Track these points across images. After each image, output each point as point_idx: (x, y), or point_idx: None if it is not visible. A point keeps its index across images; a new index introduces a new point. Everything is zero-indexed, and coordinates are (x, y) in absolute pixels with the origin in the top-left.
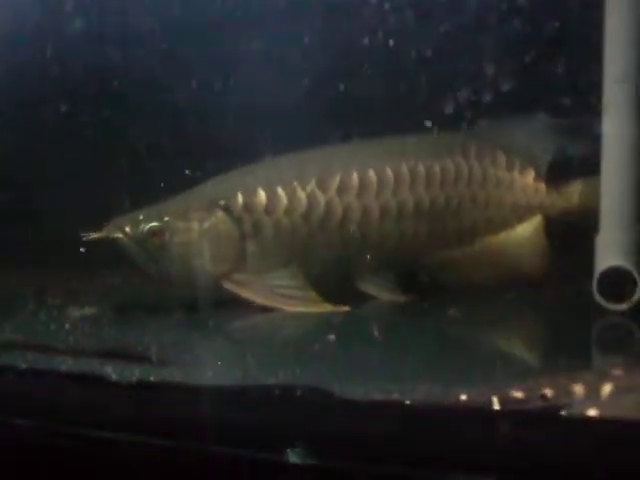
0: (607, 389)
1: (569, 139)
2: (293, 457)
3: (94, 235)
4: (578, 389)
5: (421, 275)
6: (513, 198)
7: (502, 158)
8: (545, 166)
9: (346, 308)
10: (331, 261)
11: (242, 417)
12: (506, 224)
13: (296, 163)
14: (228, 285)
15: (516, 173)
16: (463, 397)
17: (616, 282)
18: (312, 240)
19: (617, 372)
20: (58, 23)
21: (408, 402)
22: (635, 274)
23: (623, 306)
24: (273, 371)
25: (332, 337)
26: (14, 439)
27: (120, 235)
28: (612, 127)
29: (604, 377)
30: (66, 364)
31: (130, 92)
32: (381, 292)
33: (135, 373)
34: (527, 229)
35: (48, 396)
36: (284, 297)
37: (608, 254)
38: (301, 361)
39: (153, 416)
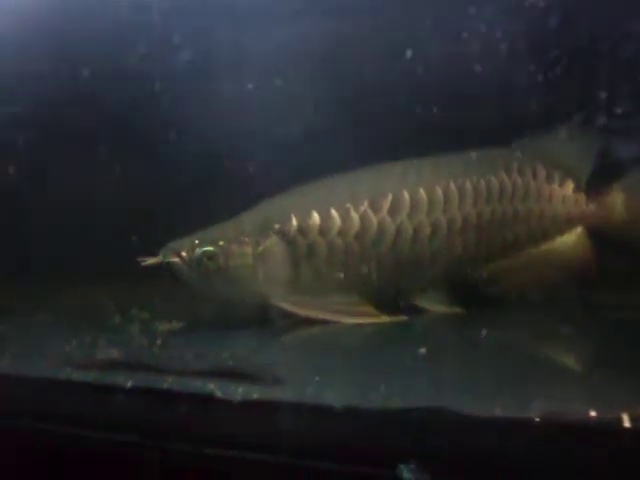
0: None
1: (609, 147)
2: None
3: (150, 260)
4: None
5: (470, 288)
6: (553, 210)
7: (542, 172)
8: (585, 177)
9: (404, 318)
10: (384, 280)
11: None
12: (547, 236)
13: (347, 183)
14: (284, 305)
15: (555, 186)
16: (592, 414)
17: None
18: (365, 260)
19: None
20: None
21: (537, 419)
22: None
23: None
24: (377, 387)
25: (423, 350)
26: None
27: (176, 259)
28: None
29: None
30: (172, 382)
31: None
32: (434, 305)
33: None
34: (569, 240)
35: (155, 415)
36: (342, 312)
37: None
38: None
39: (266, 434)
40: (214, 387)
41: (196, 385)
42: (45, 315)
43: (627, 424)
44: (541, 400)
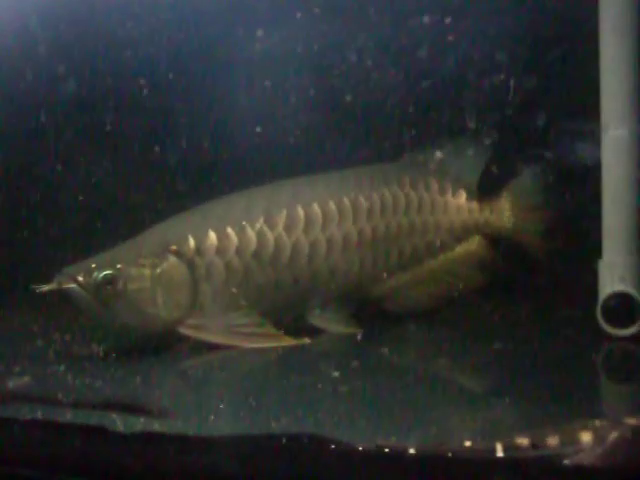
0: (613, 436)
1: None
2: None
3: (45, 287)
4: (585, 437)
5: (369, 305)
6: (449, 220)
7: (434, 183)
8: (475, 185)
9: (307, 340)
10: (283, 298)
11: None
12: (445, 246)
13: (243, 201)
14: (185, 330)
15: (449, 196)
16: (468, 444)
17: (620, 307)
18: (264, 278)
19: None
20: None
21: (413, 451)
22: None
23: (628, 331)
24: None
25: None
26: None
27: (72, 285)
28: (611, 151)
29: (612, 425)
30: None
31: None
32: (333, 325)
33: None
34: (467, 249)
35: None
36: (243, 335)
37: (612, 279)
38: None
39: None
40: (107, 420)
41: (89, 417)
42: None
43: (500, 454)
44: (424, 429)
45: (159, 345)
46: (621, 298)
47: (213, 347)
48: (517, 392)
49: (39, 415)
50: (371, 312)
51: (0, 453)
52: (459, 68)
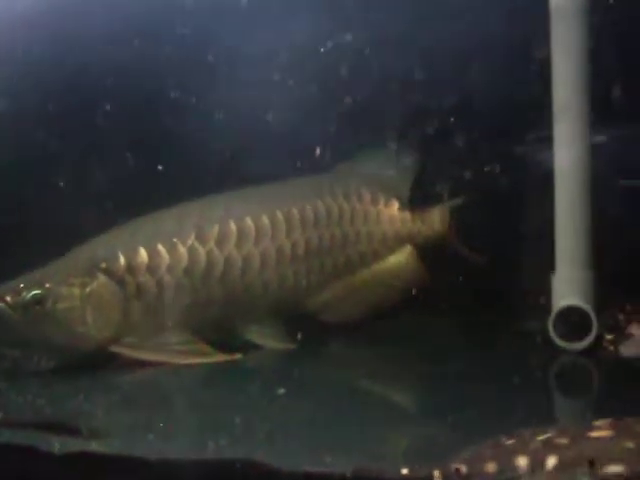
0: (551, 462)
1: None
2: None
3: None
4: (521, 462)
5: (305, 318)
6: (381, 230)
7: (367, 194)
8: (406, 195)
9: (239, 356)
10: (216, 315)
11: None
12: (378, 256)
13: (173, 217)
14: (116, 348)
15: (381, 206)
16: (404, 471)
17: (572, 321)
18: (196, 294)
19: (562, 441)
20: None
21: (348, 476)
22: (591, 313)
23: (580, 345)
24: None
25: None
26: None
27: (0, 305)
28: (564, 165)
29: (549, 448)
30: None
31: None
32: (267, 341)
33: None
34: (399, 258)
35: None
36: (175, 352)
37: (564, 293)
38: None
39: None
40: (36, 439)
41: (19, 437)
42: None
43: None
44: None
45: (90, 363)
46: (573, 312)
47: (145, 364)
48: (457, 410)
49: None
50: (306, 324)
51: None
52: (397, 78)
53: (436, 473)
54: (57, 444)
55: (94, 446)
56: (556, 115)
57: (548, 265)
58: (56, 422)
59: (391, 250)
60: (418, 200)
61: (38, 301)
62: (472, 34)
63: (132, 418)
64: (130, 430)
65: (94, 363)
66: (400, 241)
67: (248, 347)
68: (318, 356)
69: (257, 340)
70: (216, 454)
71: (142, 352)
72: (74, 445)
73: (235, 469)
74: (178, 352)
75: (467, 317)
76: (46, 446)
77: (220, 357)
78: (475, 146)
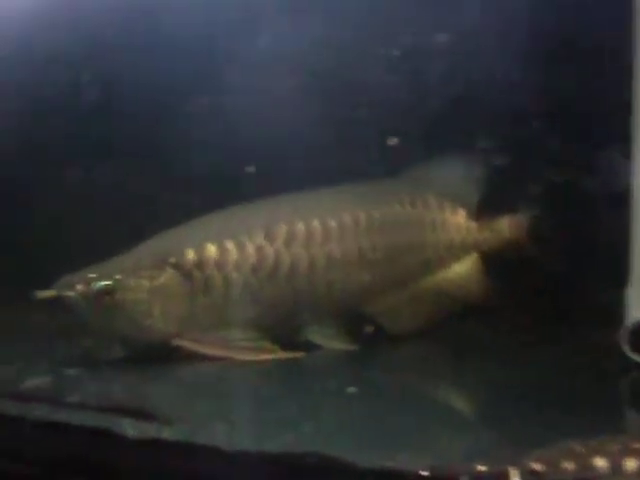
0: (631, 465)
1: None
2: None
3: (44, 293)
4: (599, 462)
5: (365, 323)
6: (447, 238)
7: (433, 201)
8: (474, 203)
9: (301, 354)
10: (280, 314)
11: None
12: (443, 264)
13: (242, 215)
14: (180, 342)
15: (448, 214)
16: (481, 468)
17: None
18: (262, 292)
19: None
20: None
21: (424, 473)
22: None
23: None
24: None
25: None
26: None
27: (71, 293)
28: None
29: (627, 451)
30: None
31: None
32: (329, 341)
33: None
34: (464, 267)
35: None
36: (239, 348)
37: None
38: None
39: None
40: (111, 423)
41: (94, 420)
42: None
43: (516, 479)
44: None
45: (155, 355)
46: None
47: (206, 359)
48: (525, 417)
49: (48, 415)
50: (366, 330)
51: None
52: (468, 82)
53: (512, 471)
54: (131, 429)
55: (167, 433)
56: (637, 125)
57: (622, 277)
58: (130, 407)
59: (456, 258)
60: (491, 208)
61: (107, 291)
62: (564, 35)
63: (202, 408)
64: (201, 419)
65: (158, 355)
66: (466, 250)
67: (308, 347)
68: (381, 358)
69: (318, 340)
70: (288, 447)
71: (206, 347)
72: (147, 431)
73: (306, 462)
74: (241, 348)
75: (536, 328)
76: (120, 430)
77: (283, 354)
78: (555, 154)
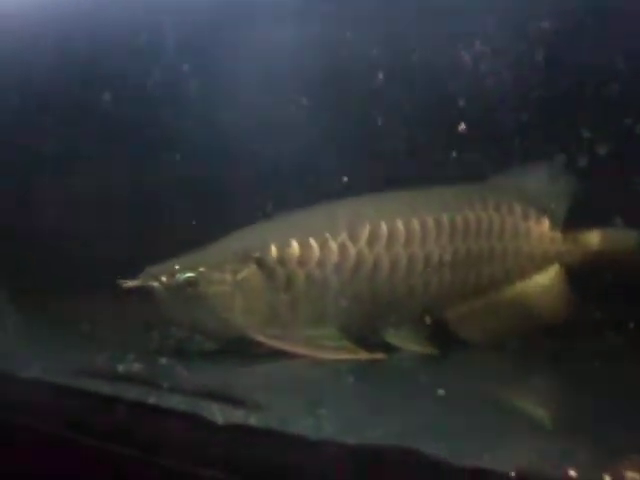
0: None
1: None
2: None
3: (130, 283)
4: None
5: (443, 328)
6: (529, 247)
7: (518, 208)
8: (561, 215)
9: (382, 356)
10: (360, 314)
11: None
12: (524, 274)
13: (326, 213)
14: (260, 337)
15: (532, 223)
16: (572, 473)
17: None
18: (344, 291)
19: None
20: None
21: (512, 474)
22: None
23: None
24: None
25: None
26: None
27: (156, 284)
28: None
29: None
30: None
31: None
32: (408, 344)
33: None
34: (545, 278)
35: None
36: (319, 346)
37: None
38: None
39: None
40: (200, 408)
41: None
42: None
43: None
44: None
45: (236, 348)
46: None
47: (284, 355)
48: (602, 426)
49: (142, 397)
50: (442, 336)
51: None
52: (564, 83)
53: (607, 478)
54: (220, 415)
55: (254, 420)
56: None
57: None
58: (220, 394)
59: (538, 269)
60: (583, 220)
61: (190, 283)
62: None
63: (288, 401)
64: (288, 411)
65: (240, 348)
66: (548, 261)
67: (386, 349)
68: (459, 364)
69: (397, 342)
70: (379, 440)
71: (286, 343)
72: (236, 417)
73: (396, 456)
74: (322, 346)
75: (615, 341)
76: (209, 415)
77: (364, 355)
78: None
